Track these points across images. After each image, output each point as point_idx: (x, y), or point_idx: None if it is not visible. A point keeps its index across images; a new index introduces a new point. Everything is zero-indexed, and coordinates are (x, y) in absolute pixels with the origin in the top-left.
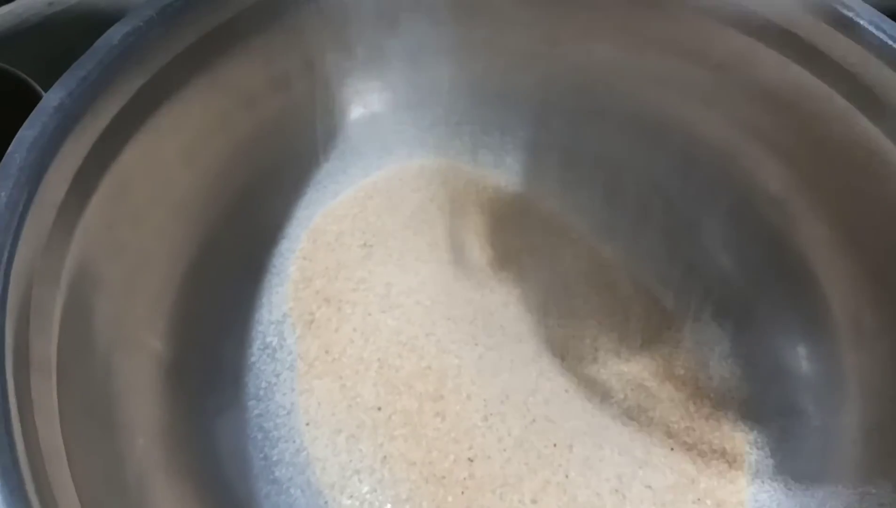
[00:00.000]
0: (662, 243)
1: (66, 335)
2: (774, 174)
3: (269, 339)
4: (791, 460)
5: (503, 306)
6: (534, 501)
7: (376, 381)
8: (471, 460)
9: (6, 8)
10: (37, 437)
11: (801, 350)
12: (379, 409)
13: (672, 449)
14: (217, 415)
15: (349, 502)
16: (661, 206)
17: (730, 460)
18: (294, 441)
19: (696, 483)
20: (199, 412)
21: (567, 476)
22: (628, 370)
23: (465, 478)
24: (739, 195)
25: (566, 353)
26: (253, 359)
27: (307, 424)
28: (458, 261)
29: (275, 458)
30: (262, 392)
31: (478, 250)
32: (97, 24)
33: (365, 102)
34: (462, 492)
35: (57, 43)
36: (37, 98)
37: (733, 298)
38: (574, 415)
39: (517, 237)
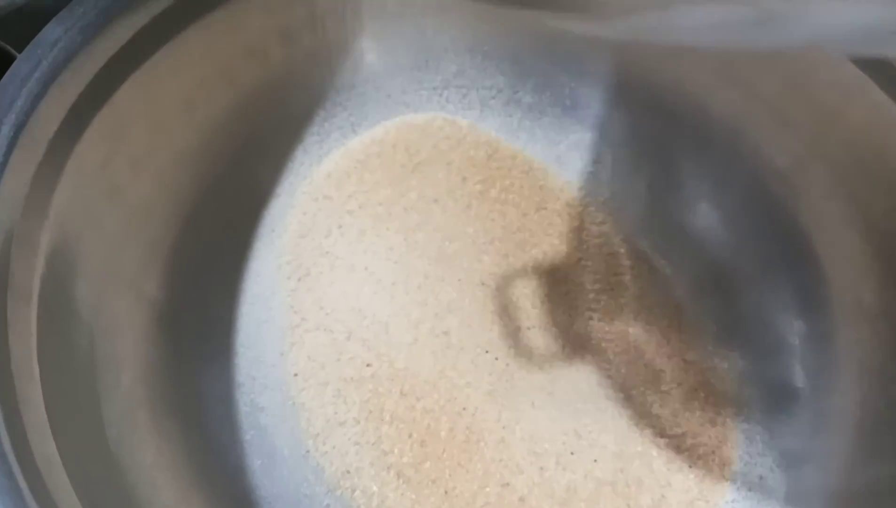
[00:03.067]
0: (666, 215)
1: (51, 268)
2: (782, 148)
3: (263, 289)
4: (782, 436)
5: (496, 266)
6: (518, 466)
7: (366, 338)
8: (455, 421)
9: None
10: (8, 354)
11: (798, 326)
12: (368, 365)
13: (660, 417)
14: (206, 360)
15: (331, 452)
16: (666, 177)
17: (719, 432)
18: (281, 391)
19: (683, 451)
20: (189, 355)
21: (550, 435)
22: (622, 337)
23: (447, 437)
24: (746, 169)
25: (559, 318)
26: (245, 308)
27: (295, 375)
28: (455, 215)
29: (261, 405)
30: (252, 341)
31: (475, 205)
32: None
33: (368, 60)
34: (444, 450)
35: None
36: (12, 60)
37: (734, 271)
38: (565, 377)
39: (509, 192)
